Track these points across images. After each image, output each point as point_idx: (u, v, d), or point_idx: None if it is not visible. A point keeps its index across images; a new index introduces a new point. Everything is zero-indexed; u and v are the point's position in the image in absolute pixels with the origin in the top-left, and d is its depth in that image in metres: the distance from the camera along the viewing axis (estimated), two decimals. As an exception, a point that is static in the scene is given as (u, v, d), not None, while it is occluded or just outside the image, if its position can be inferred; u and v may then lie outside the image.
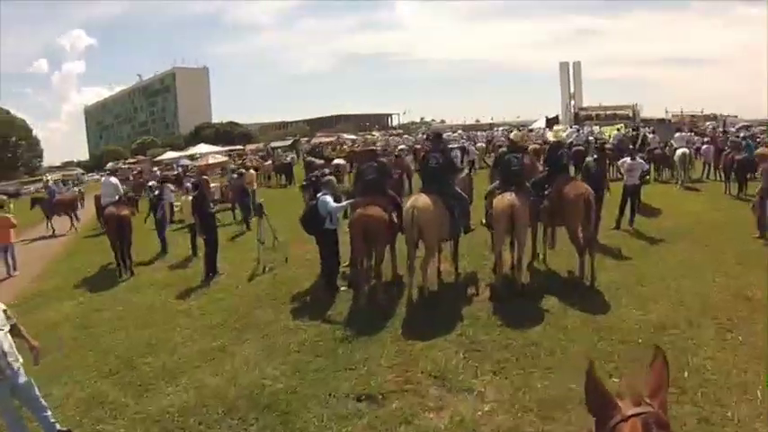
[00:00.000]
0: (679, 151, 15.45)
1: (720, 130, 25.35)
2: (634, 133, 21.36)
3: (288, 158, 27.72)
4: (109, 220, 9.68)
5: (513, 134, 9.98)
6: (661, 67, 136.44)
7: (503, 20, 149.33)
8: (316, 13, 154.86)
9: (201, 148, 42.01)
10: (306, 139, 50.22)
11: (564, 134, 10.23)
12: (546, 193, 7.15)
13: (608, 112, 51.75)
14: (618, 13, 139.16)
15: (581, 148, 16.85)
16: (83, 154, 74.85)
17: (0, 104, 69.00)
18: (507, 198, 6.38)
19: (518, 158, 6.85)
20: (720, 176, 15.35)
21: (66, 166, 63.51)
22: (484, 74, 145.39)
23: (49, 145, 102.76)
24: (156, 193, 11.45)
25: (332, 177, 7.34)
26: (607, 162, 14.51)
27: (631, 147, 15.07)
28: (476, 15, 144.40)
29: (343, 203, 7.00)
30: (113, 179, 10.43)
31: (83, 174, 52.68)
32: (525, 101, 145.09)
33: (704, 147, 17.39)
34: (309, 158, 18.66)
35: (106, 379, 5.42)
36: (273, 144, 44.93)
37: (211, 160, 26.34)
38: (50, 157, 71.40)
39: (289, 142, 47.51)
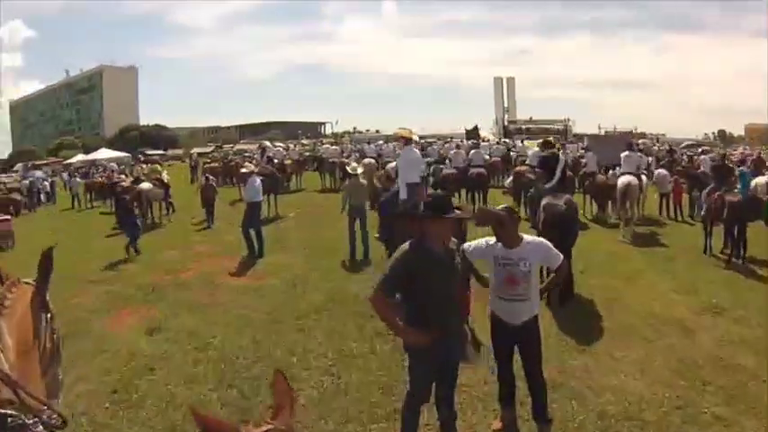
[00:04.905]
0: (623, 179, 9.93)
1: (665, 149, 22.29)
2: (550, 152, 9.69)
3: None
4: None
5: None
6: (595, 89, 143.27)
7: (443, 38, 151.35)
8: (257, 20, 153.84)
9: (102, 153, 39.52)
10: (230, 145, 46.82)
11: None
12: None
13: (539, 126, 47.85)
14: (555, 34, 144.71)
15: (481, 170, 13.44)
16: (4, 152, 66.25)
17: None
18: None
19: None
20: (681, 215, 11.48)
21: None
22: (422, 89, 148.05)
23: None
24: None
25: None
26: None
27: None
28: (416, 32, 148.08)
29: None
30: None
31: None
32: (462, 115, 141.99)
33: (659, 171, 12.41)
34: None
35: None
36: (196, 150, 39.38)
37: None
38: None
39: (210, 149, 43.68)
